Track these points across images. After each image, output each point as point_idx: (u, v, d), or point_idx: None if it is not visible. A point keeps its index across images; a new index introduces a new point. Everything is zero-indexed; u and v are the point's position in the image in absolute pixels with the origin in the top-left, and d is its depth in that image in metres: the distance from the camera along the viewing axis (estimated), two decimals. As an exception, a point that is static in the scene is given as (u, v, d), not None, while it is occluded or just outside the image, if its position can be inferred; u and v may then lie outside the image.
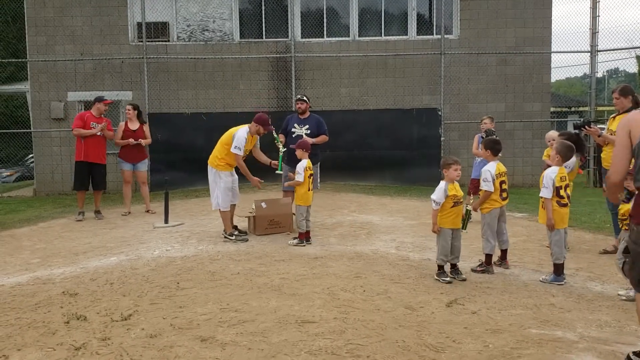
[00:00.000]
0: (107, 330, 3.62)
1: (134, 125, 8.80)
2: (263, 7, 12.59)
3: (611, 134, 5.66)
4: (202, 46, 12.39)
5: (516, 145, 12.24)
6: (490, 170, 5.08)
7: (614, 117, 5.88)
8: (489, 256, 5.06)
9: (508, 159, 10.48)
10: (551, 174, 4.77)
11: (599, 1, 12.32)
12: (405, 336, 3.47)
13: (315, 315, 3.86)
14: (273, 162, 6.74)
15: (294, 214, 6.80)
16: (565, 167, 5.15)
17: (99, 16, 12.23)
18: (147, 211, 8.88)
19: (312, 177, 6.44)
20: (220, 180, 6.61)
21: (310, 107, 7.66)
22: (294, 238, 6.37)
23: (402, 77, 12.48)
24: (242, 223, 7.15)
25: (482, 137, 7.13)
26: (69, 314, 3.94)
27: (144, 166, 8.96)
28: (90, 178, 8.51)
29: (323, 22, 12.59)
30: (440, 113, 12.19)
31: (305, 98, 7.57)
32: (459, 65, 12.34)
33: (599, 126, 6.16)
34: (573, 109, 21.44)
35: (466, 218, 4.93)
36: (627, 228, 4.36)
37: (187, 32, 12.49)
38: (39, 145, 12.41)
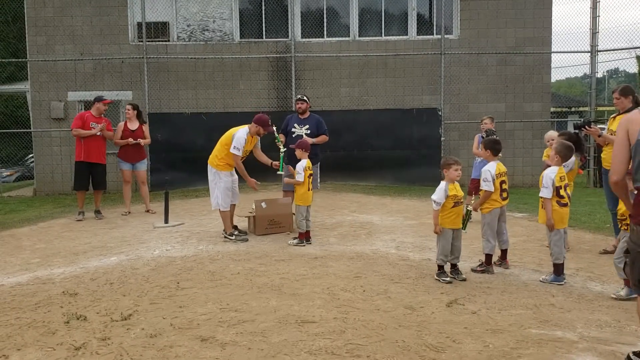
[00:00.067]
0: (107, 330, 3.62)
1: (133, 125, 8.80)
2: (263, 7, 12.59)
3: (611, 134, 5.66)
4: (202, 46, 12.39)
5: (516, 145, 12.25)
6: (491, 170, 5.08)
7: (614, 117, 5.88)
8: (489, 256, 5.06)
9: (508, 159, 10.48)
10: (551, 174, 4.77)
11: (599, 1, 12.32)
12: (405, 336, 3.47)
13: (315, 315, 3.86)
14: (274, 162, 6.73)
15: (294, 213, 6.80)
16: (565, 166, 5.15)
17: (99, 16, 12.23)
18: (147, 211, 8.88)
19: (311, 177, 6.44)
20: (220, 180, 6.60)
21: (310, 107, 7.66)
22: (294, 238, 6.37)
23: (402, 77, 12.48)
24: (242, 223, 7.15)
25: (482, 137, 7.13)
26: (69, 313, 3.94)
27: (143, 166, 8.96)
28: (90, 178, 8.52)
29: (323, 22, 12.59)
30: (440, 113, 12.19)
31: (305, 98, 7.57)
32: (459, 65, 12.34)
33: (599, 126, 6.16)
34: (573, 109, 21.43)
35: (466, 218, 4.92)
36: (626, 228, 4.37)
37: (187, 32, 12.50)
38: (39, 145, 12.41)
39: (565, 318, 3.84)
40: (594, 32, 12.44)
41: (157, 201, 9.17)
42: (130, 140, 8.65)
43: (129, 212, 8.73)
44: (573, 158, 5.75)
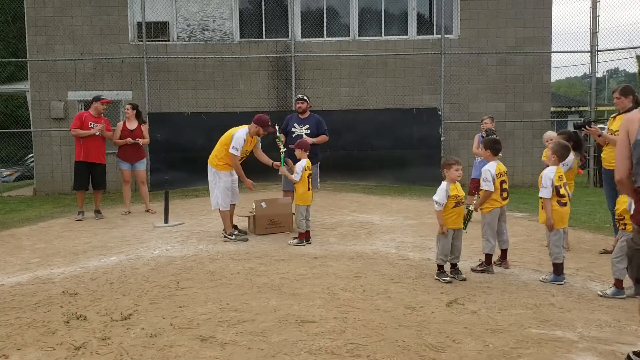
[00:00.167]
0: (107, 329, 3.62)
1: (132, 125, 8.79)
2: (263, 7, 12.59)
3: (611, 134, 5.66)
4: (202, 46, 12.39)
5: (516, 145, 12.25)
6: (491, 170, 5.08)
7: (615, 117, 5.88)
8: (489, 256, 5.06)
9: (508, 159, 10.48)
10: (549, 174, 4.78)
11: (599, 1, 12.31)
12: (405, 336, 3.47)
13: (315, 315, 3.86)
14: (275, 163, 6.71)
15: (293, 213, 6.80)
16: (564, 165, 5.15)
17: (98, 16, 12.23)
18: (147, 211, 8.88)
19: (310, 177, 6.43)
20: (220, 180, 6.60)
21: (310, 106, 7.66)
22: (294, 238, 6.37)
23: (402, 77, 12.48)
24: (242, 223, 7.15)
25: (483, 137, 7.12)
26: (68, 313, 3.94)
27: (142, 165, 8.95)
28: (90, 178, 8.52)
29: (323, 21, 12.59)
30: (440, 113, 12.19)
31: (305, 98, 7.57)
32: (459, 65, 12.34)
33: (599, 126, 6.16)
34: (573, 109, 21.43)
35: (467, 218, 4.92)
36: (623, 227, 4.39)
37: (187, 32, 12.50)
38: (38, 145, 12.41)
39: (565, 318, 3.84)
40: (594, 32, 12.44)
41: (157, 201, 9.17)
42: (129, 140, 8.65)
43: (129, 212, 8.73)
44: (572, 157, 5.76)
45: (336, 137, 9.79)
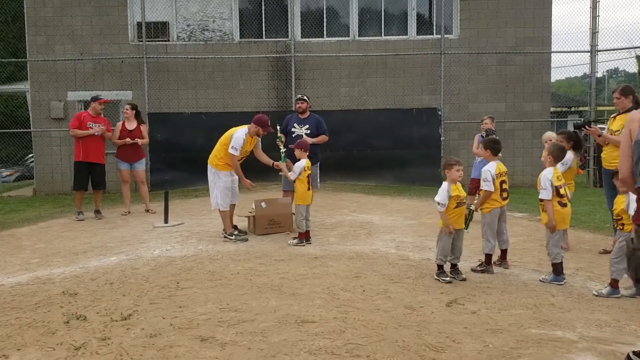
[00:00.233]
0: (107, 330, 3.62)
1: (131, 125, 8.79)
2: (263, 7, 12.59)
3: (611, 134, 5.66)
4: (202, 46, 12.39)
5: (516, 145, 12.24)
6: (490, 170, 5.08)
7: (615, 117, 5.88)
8: (489, 256, 5.06)
9: (508, 159, 10.47)
10: (548, 175, 4.78)
11: (599, 1, 12.31)
12: (405, 336, 3.47)
13: (315, 315, 3.86)
14: (275, 163, 6.70)
15: (293, 213, 6.80)
16: (563, 164, 5.16)
17: (98, 16, 12.22)
18: (147, 211, 8.88)
19: (310, 177, 6.42)
20: (220, 180, 6.60)
21: (310, 106, 7.66)
22: (294, 238, 6.37)
23: (402, 77, 12.48)
24: (242, 223, 7.15)
25: (482, 137, 7.12)
26: (68, 313, 3.94)
27: (141, 166, 8.95)
28: (89, 178, 8.51)
29: (323, 22, 12.59)
30: (440, 113, 12.18)
31: (305, 98, 7.57)
32: (459, 65, 12.34)
33: (599, 126, 6.16)
34: (573, 109, 21.45)
35: (469, 218, 4.92)
36: (621, 228, 4.40)
37: (187, 32, 12.49)
38: (38, 145, 12.41)
39: (565, 318, 3.84)
40: (593, 32, 12.44)
41: (157, 201, 9.17)
42: (128, 140, 8.65)
43: (129, 212, 8.73)
44: (571, 156, 5.77)
45: (336, 137, 9.79)
